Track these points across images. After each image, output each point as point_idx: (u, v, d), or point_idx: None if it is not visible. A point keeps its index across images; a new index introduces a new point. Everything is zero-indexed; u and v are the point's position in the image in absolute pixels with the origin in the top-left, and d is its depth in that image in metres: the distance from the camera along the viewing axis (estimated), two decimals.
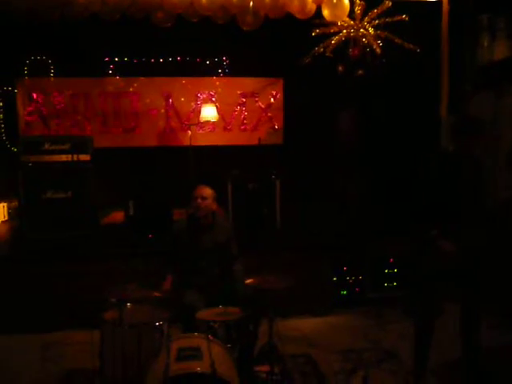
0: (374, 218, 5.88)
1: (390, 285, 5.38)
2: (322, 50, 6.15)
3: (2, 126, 7.87)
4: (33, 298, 4.70)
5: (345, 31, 6.05)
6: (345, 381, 3.52)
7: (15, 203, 7.16)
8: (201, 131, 7.72)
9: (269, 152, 6.93)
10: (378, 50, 5.91)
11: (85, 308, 4.28)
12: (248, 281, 3.31)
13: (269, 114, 8.01)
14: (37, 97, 7.80)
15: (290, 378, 3.48)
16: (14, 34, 6.71)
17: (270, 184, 5.90)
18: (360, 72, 6.06)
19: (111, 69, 7.83)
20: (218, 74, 7.97)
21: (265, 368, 3.31)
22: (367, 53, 6.00)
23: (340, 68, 6.14)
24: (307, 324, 4.79)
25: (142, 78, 7.85)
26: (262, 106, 8.00)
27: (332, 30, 6.05)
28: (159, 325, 3.10)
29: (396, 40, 5.94)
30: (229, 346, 3.08)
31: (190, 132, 7.24)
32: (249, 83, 7.97)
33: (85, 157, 5.89)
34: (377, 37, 5.99)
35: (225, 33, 6.53)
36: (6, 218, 7.49)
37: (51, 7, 5.46)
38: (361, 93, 6.41)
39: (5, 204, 7.53)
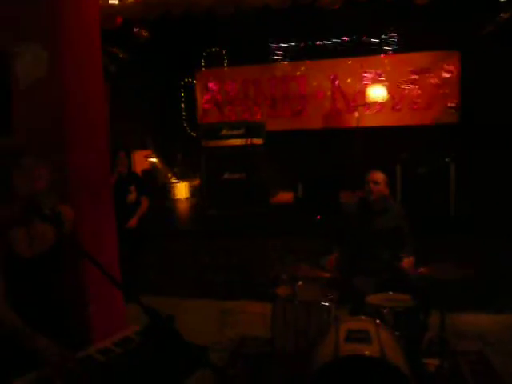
0: None
1: None
2: (507, 15, 5.47)
3: (184, 114, 8.80)
4: (212, 267, 5.21)
5: None
6: None
7: (195, 182, 8.01)
8: (368, 112, 7.56)
9: (443, 132, 6.48)
10: None
11: (258, 281, 4.61)
12: (420, 269, 3.19)
13: (443, 91, 7.44)
14: (212, 86, 8.52)
15: (460, 375, 3.28)
16: (193, 30, 7.34)
17: (443, 167, 5.51)
18: None
19: (279, 54, 8.11)
20: (385, 52, 7.68)
21: (434, 361, 3.16)
22: None
23: None
24: (483, 320, 4.41)
25: (309, 61, 7.98)
26: (436, 83, 7.46)
27: None
28: (328, 304, 3.18)
29: None
30: (397, 333, 3.02)
31: (356, 113, 7.16)
32: (420, 58, 7.51)
33: (258, 140, 6.28)
34: None
35: (392, 7, 6.21)
36: (188, 196, 8.41)
37: (228, 3, 5.83)
38: None
39: (187, 183, 8.46)
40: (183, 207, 7.91)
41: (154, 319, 1.35)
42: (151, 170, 8.39)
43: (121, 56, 6.92)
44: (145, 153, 8.43)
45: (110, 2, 5.56)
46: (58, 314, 2.09)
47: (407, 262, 3.60)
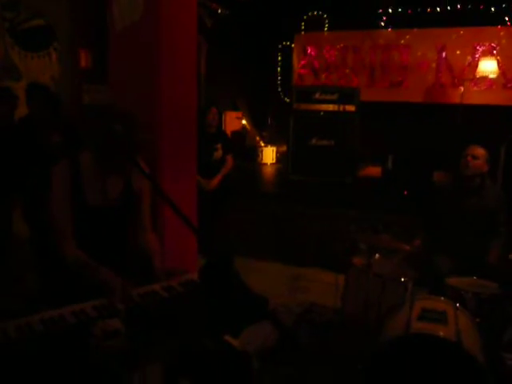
0: None
1: None
2: None
3: (279, 78, 8.71)
4: (289, 232, 5.18)
5: None
6: None
7: (283, 148, 7.96)
8: (475, 88, 6.97)
9: None
10: None
11: (333, 251, 4.51)
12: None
13: None
14: (310, 51, 8.30)
15: None
16: None
17: None
18: None
19: (383, 21, 7.67)
20: (503, 23, 6.96)
21: None
22: None
23: None
24: None
25: (415, 29, 7.46)
26: None
27: None
28: (405, 281, 3.03)
29: None
30: (477, 320, 2.80)
31: (462, 88, 6.61)
32: None
33: (350, 107, 6.05)
34: None
35: None
36: (274, 161, 8.41)
37: None
38: None
39: (274, 148, 8.45)
40: (268, 171, 7.93)
41: (212, 256, 1.33)
42: (241, 132, 8.47)
43: (219, 11, 6.91)
44: (236, 114, 8.51)
45: None
46: (125, 255, 2.16)
47: (493, 254, 3.32)
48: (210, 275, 1.29)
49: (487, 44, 7.03)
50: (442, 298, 2.78)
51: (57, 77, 4.94)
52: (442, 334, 2.36)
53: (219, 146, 5.16)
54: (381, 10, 7.61)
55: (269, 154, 8.40)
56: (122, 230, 2.19)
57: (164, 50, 2.81)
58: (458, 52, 7.22)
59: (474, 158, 3.40)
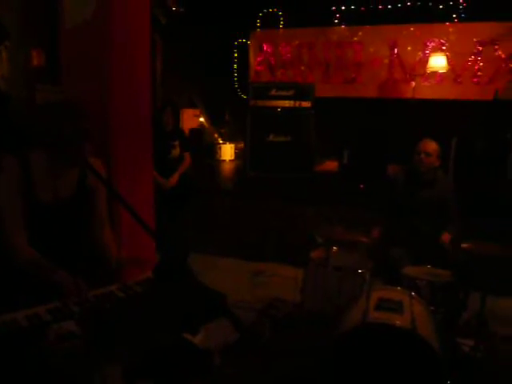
0: None
1: None
2: None
3: (236, 75, 8.69)
4: (248, 228, 5.20)
5: None
6: None
7: (241, 145, 7.96)
8: (426, 83, 7.17)
9: (505, 108, 6.04)
10: None
11: (292, 245, 4.56)
12: (464, 245, 3.02)
13: (510, 65, 6.92)
14: (266, 48, 8.35)
15: (495, 359, 3.13)
16: None
17: (503, 145, 5.17)
18: None
19: (337, 18, 7.78)
20: (451, 20, 7.20)
21: (469, 342, 3.03)
22: None
23: None
24: None
25: (368, 26, 7.60)
26: (503, 56, 6.93)
27: None
28: (362, 272, 3.10)
29: None
30: (432, 308, 2.90)
31: (413, 83, 6.80)
32: (488, 29, 6.97)
33: (306, 103, 6.12)
34: None
35: None
36: (233, 158, 8.39)
37: None
38: None
39: (233, 145, 8.43)
40: (227, 168, 7.91)
41: (165, 254, 1.31)
42: (198, 130, 8.41)
43: (174, 9, 6.82)
44: (193, 111, 8.43)
45: None
46: (80, 256, 2.12)
47: (446, 237, 3.45)
48: (163, 273, 1.28)
49: (437, 40, 7.24)
50: (399, 288, 2.87)
51: (8, 76, 4.74)
52: (398, 322, 2.43)
53: (177, 143, 5.10)
54: (334, 8, 7.72)
55: (227, 151, 8.37)
56: (76, 228, 2.14)
57: (116, 48, 2.74)
58: (409, 48, 7.41)
59: (427, 154, 3.51)
